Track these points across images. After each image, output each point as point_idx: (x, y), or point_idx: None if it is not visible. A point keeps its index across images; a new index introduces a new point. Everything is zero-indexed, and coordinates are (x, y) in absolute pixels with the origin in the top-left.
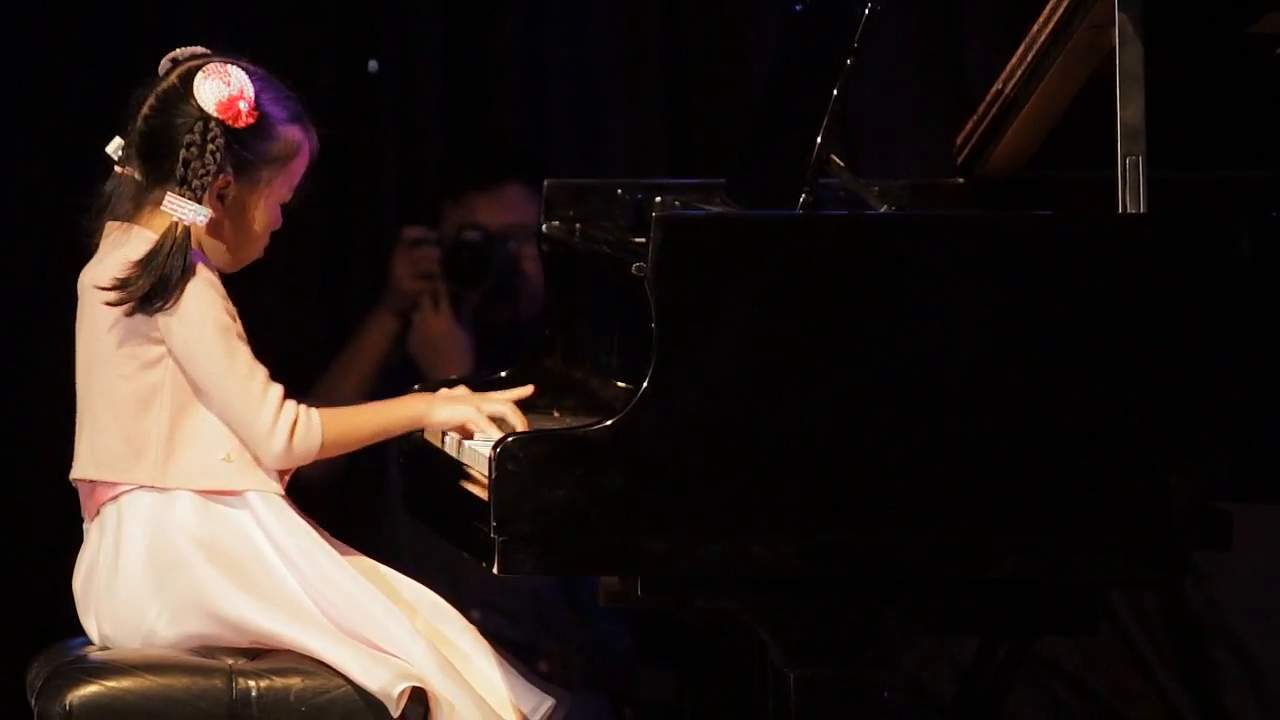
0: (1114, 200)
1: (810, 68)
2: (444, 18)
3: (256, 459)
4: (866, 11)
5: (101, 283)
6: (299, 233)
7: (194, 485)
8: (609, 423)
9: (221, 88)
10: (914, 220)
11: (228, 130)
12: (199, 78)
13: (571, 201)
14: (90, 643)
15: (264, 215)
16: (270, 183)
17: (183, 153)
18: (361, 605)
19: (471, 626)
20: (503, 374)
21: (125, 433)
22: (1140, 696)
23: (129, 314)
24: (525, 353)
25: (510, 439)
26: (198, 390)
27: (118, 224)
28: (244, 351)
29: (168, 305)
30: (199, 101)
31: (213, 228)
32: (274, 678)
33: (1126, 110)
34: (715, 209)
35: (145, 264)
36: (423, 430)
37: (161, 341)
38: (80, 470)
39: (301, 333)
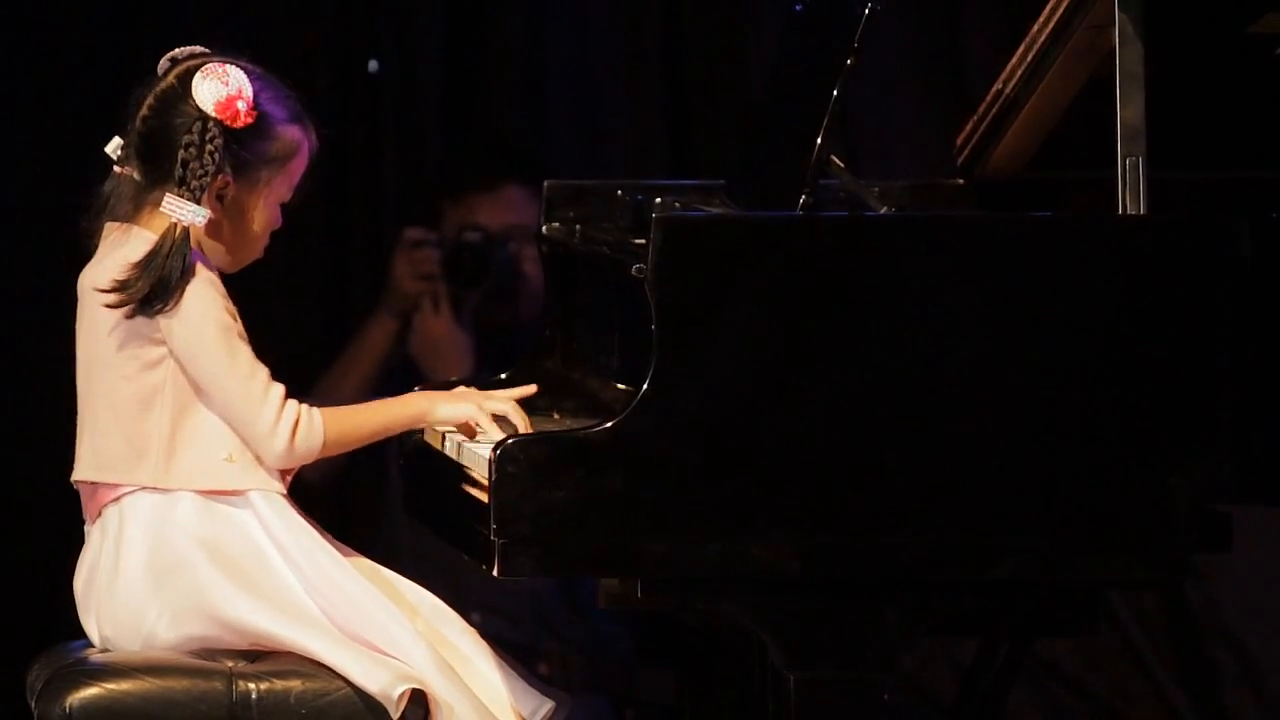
0: (1114, 201)
1: (810, 68)
2: (444, 18)
3: (258, 459)
4: (866, 11)
5: (100, 285)
6: (299, 233)
7: (196, 486)
8: (609, 424)
9: (220, 88)
10: (914, 221)
11: (226, 130)
12: (197, 78)
13: (571, 202)
14: (90, 645)
15: (263, 215)
16: (269, 182)
17: (181, 153)
18: (362, 606)
19: (471, 629)
20: (503, 375)
21: (127, 434)
22: (1140, 696)
23: (129, 316)
24: (525, 354)
25: (510, 441)
26: (199, 390)
27: (117, 224)
28: (245, 351)
29: (168, 307)
30: (197, 102)
31: (212, 228)
32: (274, 680)
33: (1126, 110)
34: (715, 210)
35: (144, 266)
36: (423, 432)
37: (162, 342)
38: (81, 472)
39: (301, 334)
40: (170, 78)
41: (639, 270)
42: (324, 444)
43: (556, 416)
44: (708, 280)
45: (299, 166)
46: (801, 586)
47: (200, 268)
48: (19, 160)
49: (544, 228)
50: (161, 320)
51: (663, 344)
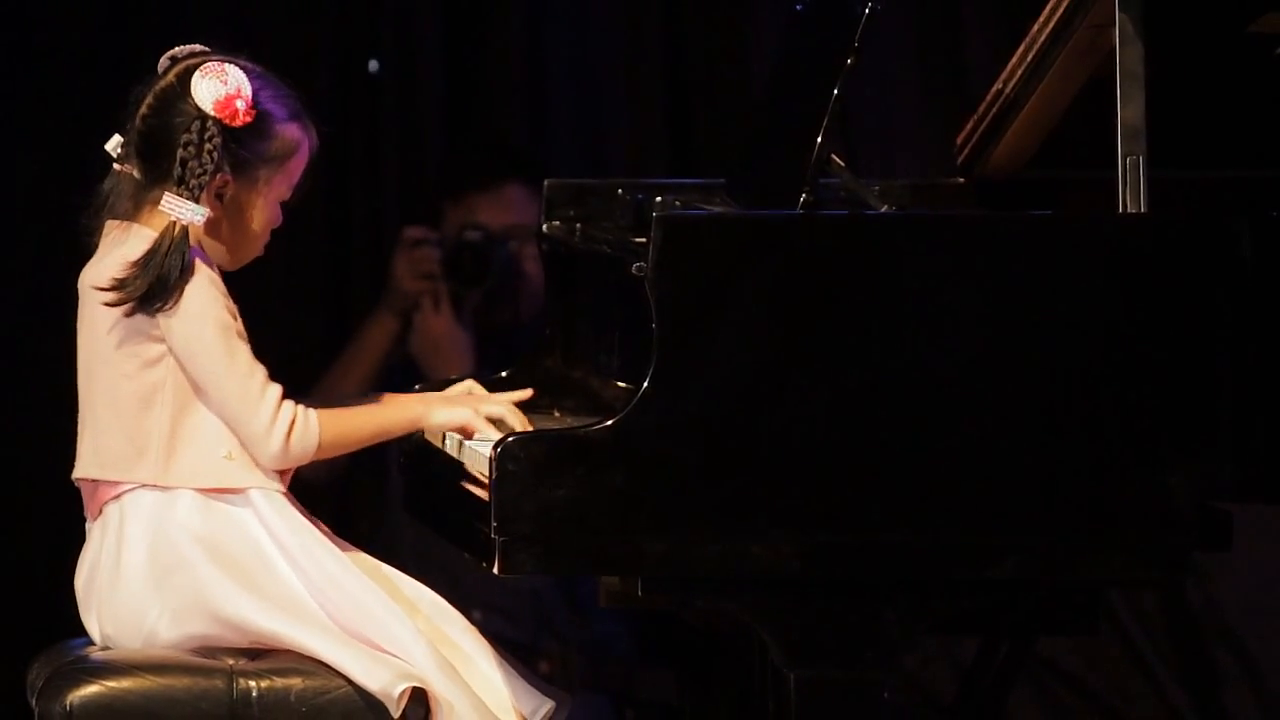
0: (1114, 200)
1: (810, 67)
2: (444, 18)
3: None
4: (867, 11)
5: (100, 283)
6: (300, 233)
7: (196, 483)
8: (609, 423)
9: (219, 86)
10: (914, 220)
11: (225, 129)
12: (196, 76)
13: (572, 201)
14: (91, 643)
15: (263, 213)
16: (269, 181)
17: (180, 152)
18: (363, 604)
19: (472, 627)
20: (503, 374)
21: (127, 432)
22: (1140, 696)
23: (128, 314)
24: (526, 353)
25: (510, 439)
26: (197, 389)
27: (117, 223)
28: (244, 350)
29: (167, 305)
30: (196, 100)
31: (212, 227)
32: (275, 678)
33: (1127, 110)
34: (715, 209)
35: (143, 264)
36: (423, 430)
37: (162, 340)
38: (82, 470)
39: (302, 333)
40: (170, 76)
41: (639, 269)
42: (319, 446)
43: (557, 415)
44: (708, 279)
45: (299, 165)
46: (802, 586)
47: (200, 266)
48: (19, 160)
49: (544, 227)
50: (161, 318)
51: (663, 342)
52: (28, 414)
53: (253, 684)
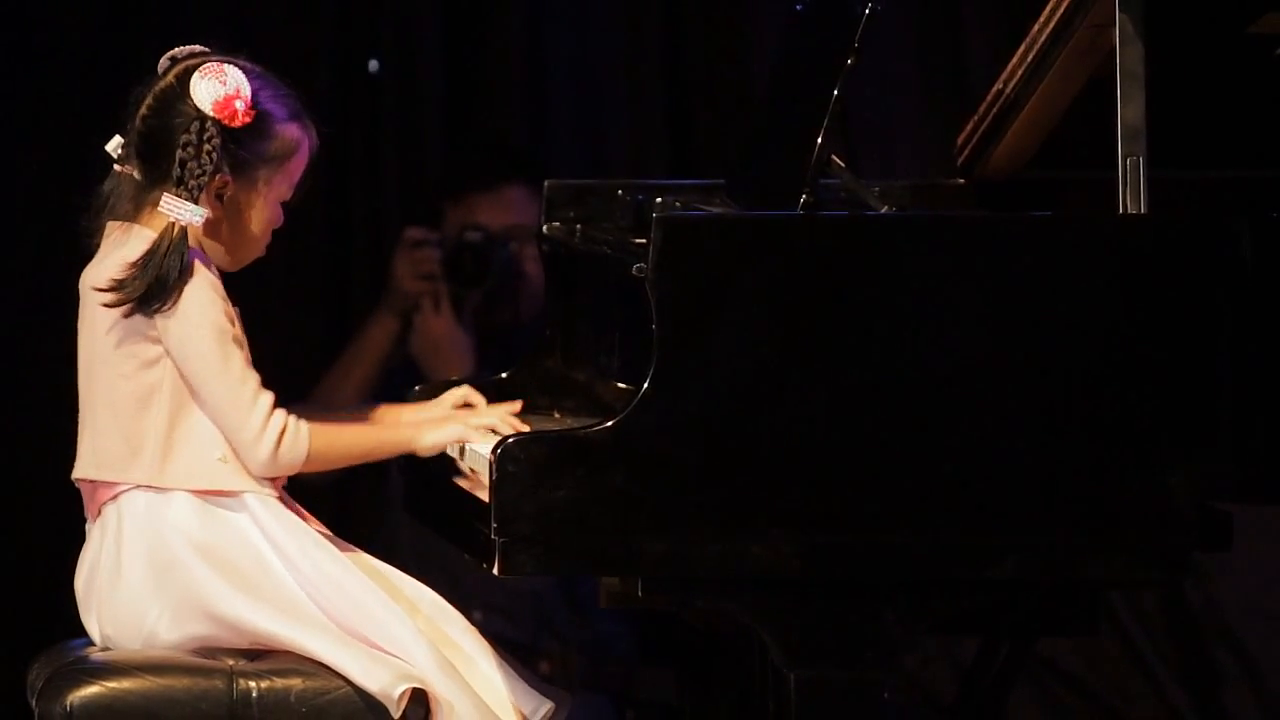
0: (1114, 201)
1: (811, 68)
2: (444, 18)
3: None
4: (867, 11)
5: (99, 284)
6: (300, 233)
7: (190, 485)
8: (609, 423)
9: (218, 87)
10: (914, 221)
11: (224, 130)
12: (195, 77)
13: (572, 202)
14: (91, 643)
15: (264, 214)
16: (269, 181)
17: (179, 153)
18: (363, 605)
19: (472, 627)
20: (503, 375)
21: (124, 432)
22: (1140, 696)
23: (127, 315)
24: (526, 353)
25: (511, 440)
26: (192, 391)
27: (118, 224)
28: (239, 356)
29: (165, 306)
30: (195, 101)
31: (212, 227)
32: (275, 678)
33: (1127, 110)
34: (715, 209)
35: (142, 265)
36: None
37: (159, 341)
38: (81, 470)
39: (302, 333)
40: (169, 77)
41: (639, 270)
42: (308, 457)
43: (557, 416)
44: (708, 280)
45: (299, 165)
46: (802, 586)
47: (200, 268)
48: (19, 160)
49: (545, 227)
50: (158, 319)
51: (663, 343)
52: (28, 414)
53: (253, 684)
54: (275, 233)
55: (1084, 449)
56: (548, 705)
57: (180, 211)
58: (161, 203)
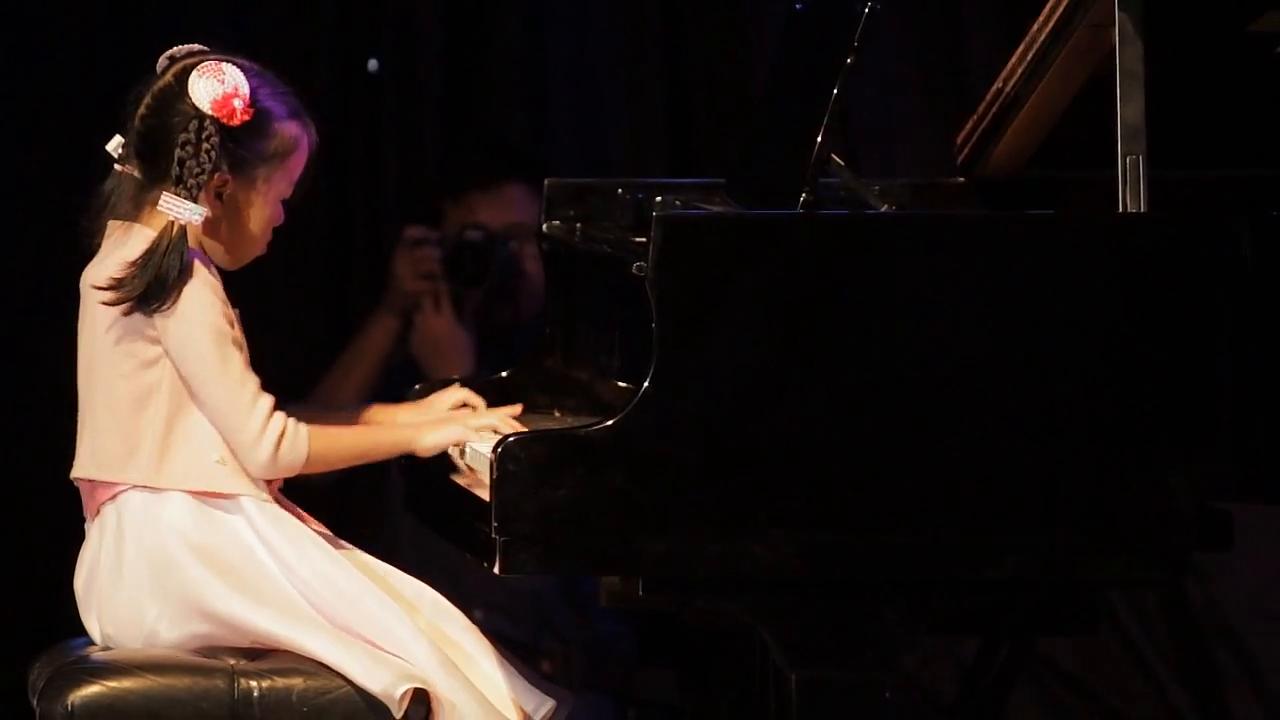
0: (1114, 200)
1: (811, 67)
2: (444, 18)
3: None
4: (867, 10)
5: (99, 283)
6: (300, 233)
7: (186, 486)
8: (610, 422)
9: (216, 86)
10: (914, 220)
11: (223, 128)
12: (193, 76)
13: (572, 201)
14: (92, 643)
15: (263, 212)
16: (268, 179)
17: (178, 152)
18: (362, 606)
19: (473, 626)
20: (503, 374)
21: (122, 432)
22: (1140, 696)
23: (126, 314)
24: (526, 352)
25: (511, 439)
26: (190, 392)
27: (119, 223)
28: (238, 358)
29: (165, 306)
30: (193, 100)
31: (212, 226)
32: (276, 678)
33: (1127, 109)
34: (716, 208)
35: (141, 264)
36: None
37: (159, 341)
38: (80, 469)
39: (303, 333)
40: (168, 76)
41: (640, 269)
42: (307, 459)
43: (557, 415)
44: (708, 279)
45: (298, 162)
46: (802, 585)
47: (199, 269)
48: (19, 160)
49: (545, 226)
50: (157, 319)
51: (663, 342)
52: (28, 414)
53: (254, 684)
54: (275, 232)
55: (1084, 448)
56: (549, 703)
57: (179, 210)
58: (161, 201)
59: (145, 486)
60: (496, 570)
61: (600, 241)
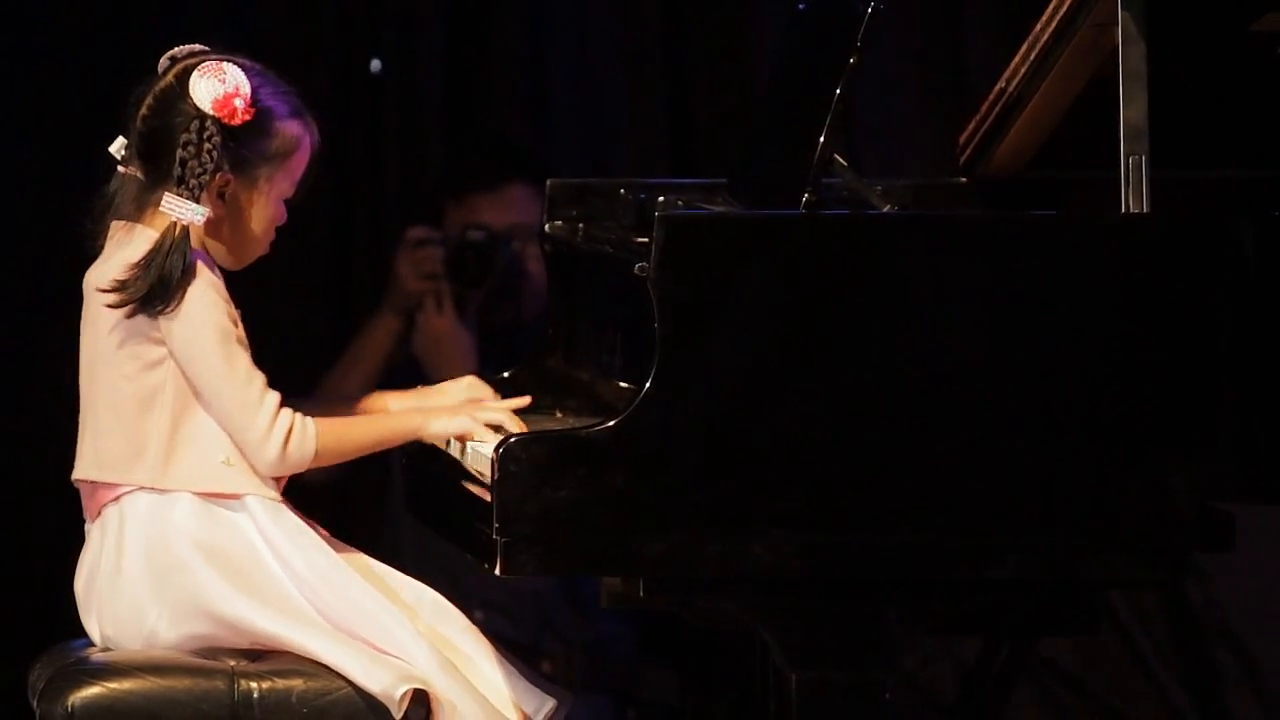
0: (1117, 200)
1: (813, 67)
2: (444, 18)
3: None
4: (869, 10)
5: (102, 285)
6: (302, 233)
7: (193, 487)
8: (611, 423)
9: (217, 86)
10: (916, 220)
11: (224, 128)
12: (194, 76)
13: (574, 201)
14: (92, 644)
15: (266, 211)
16: (270, 179)
17: (179, 152)
18: (363, 607)
19: (473, 627)
20: (505, 374)
21: (126, 433)
22: (1140, 696)
23: (129, 315)
24: (528, 353)
25: (512, 439)
26: (196, 393)
27: (122, 224)
28: (243, 357)
29: (169, 307)
30: (195, 100)
31: (214, 226)
32: (276, 679)
33: (1129, 109)
34: (718, 208)
35: (144, 265)
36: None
37: (163, 342)
38: (82, 471)
39: (305, 333)
40: (169, 76)
41: (641, 269)
42: (316, 454)
43: (559, 415)
44: (710, 279)
45: (300, 162)
46: (803, 586)
47: (202, 269)
48: (19, 160)
49: (547, 226)
50: (161, 320)
51: (665, 342)
52: (28, 414)
53: (254, 685)
54: (277, 232)
55: (1085, 449)
56: (550, 703)
57: (182, 210)
58: (163, 202)
59: (152, 488)
60: (497, 571)
61: (602, 242)
